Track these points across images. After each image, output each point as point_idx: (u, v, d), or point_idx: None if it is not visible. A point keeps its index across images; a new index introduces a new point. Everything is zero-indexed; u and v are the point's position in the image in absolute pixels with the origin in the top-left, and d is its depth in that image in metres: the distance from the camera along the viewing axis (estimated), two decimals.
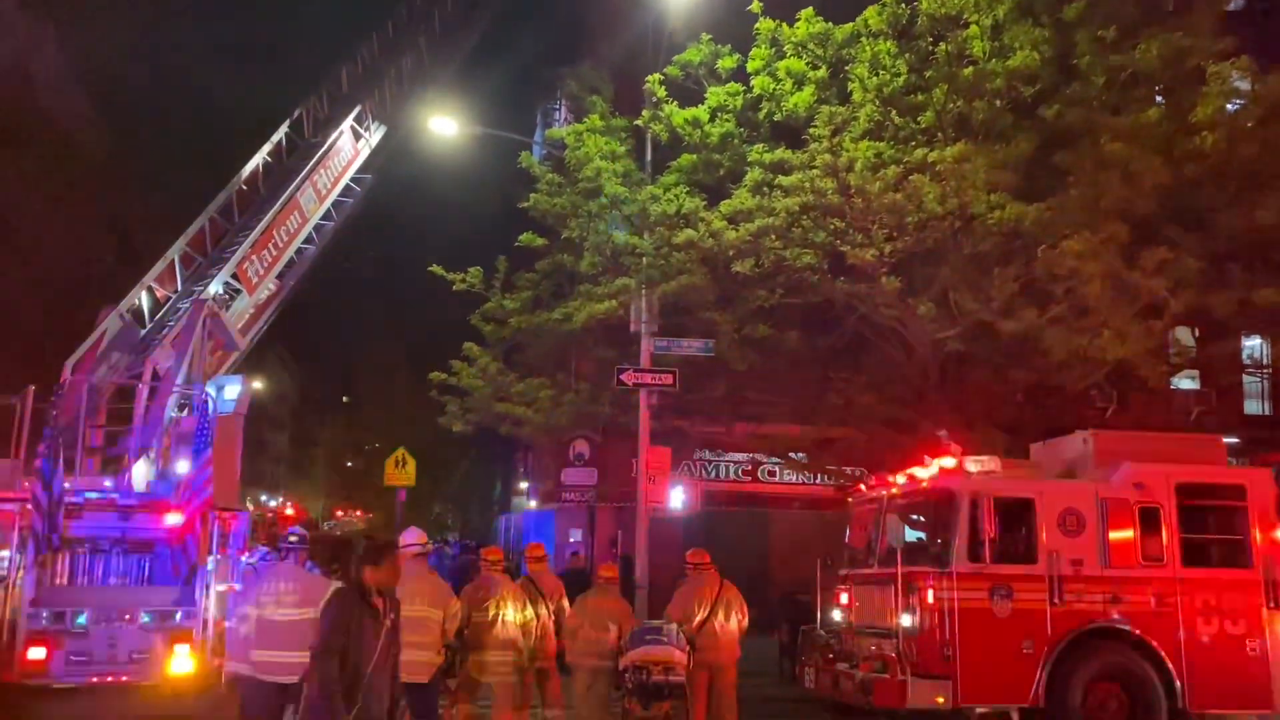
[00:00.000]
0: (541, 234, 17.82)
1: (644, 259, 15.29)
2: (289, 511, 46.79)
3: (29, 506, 10.52)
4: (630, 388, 16.72)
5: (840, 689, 11.58)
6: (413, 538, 9.42)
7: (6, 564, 10.75)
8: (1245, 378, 24.30)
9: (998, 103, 13.02)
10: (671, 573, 17.63)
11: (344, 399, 63.80)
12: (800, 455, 21.24)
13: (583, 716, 10.67)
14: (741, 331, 15.25)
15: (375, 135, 17.09)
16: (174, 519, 11.09)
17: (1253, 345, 23.22)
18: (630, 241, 15.20)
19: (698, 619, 10.54)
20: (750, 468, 24.83)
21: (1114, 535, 10.99)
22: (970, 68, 12.85)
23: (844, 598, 12.52)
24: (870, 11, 12.92)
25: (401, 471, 25.90)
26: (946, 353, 14.84)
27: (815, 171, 12.67)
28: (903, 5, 12.88)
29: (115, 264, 43.25)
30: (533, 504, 35.95)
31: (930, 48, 13.16)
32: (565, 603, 11.71)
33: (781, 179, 13.10)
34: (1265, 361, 24.59)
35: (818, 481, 24.14)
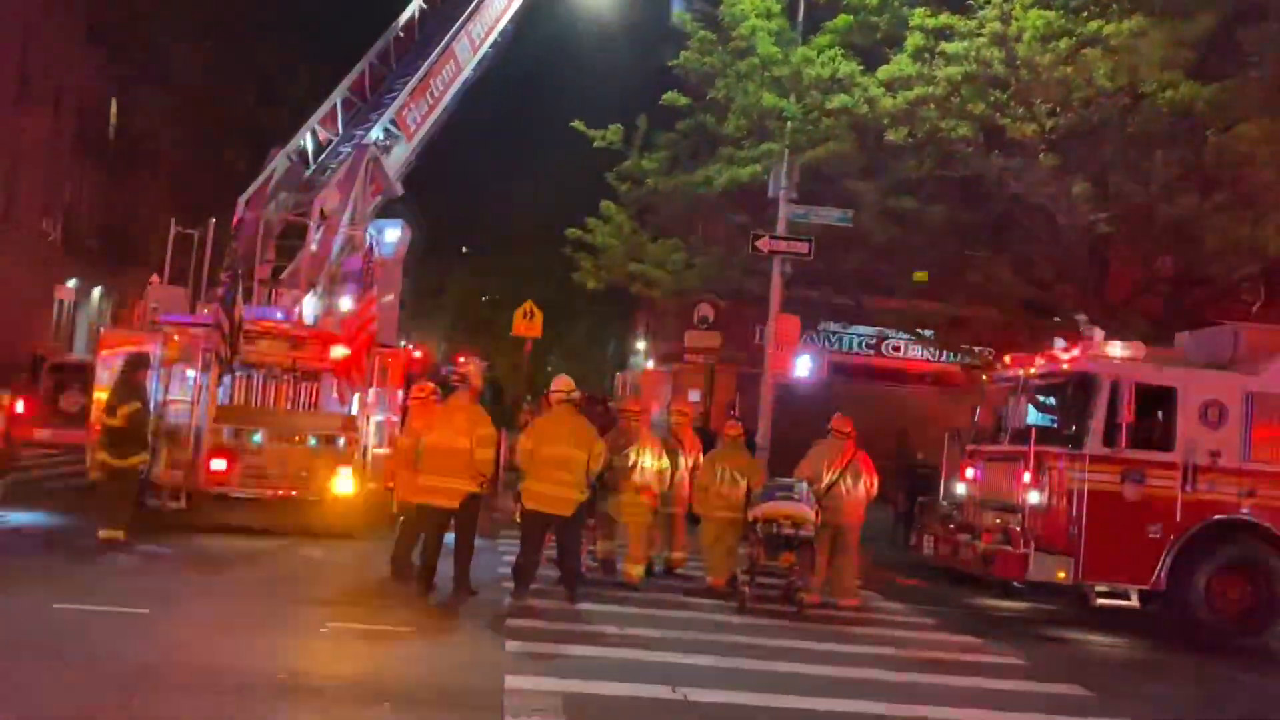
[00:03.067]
0: (685, 93, 17.71)
1: (789, 123, 15.15)
2: (416, 354, 48.79)
3: (213, 331, 11.42)
4: (765, 254, 16.81)
5: (960, 558, 11.89)
6: (561, 384, 9.99)
7: (192, 383, 11.75)
8: None
9: None
10: (790, 437, 18.03)
11: (463, 249, 65.04)
12: (928, 332, 21.19)
13: (711, 563, 11.31)
14: (885, 203, 15.11)
15: None
16: (340, 351, 11.90)
17: None
18: (778, 105, 15.03)
19: (826, 480, 10.94)
20: (875, 341, 24.86)
21: (1257, 430, 10.85)
22: None
23: (970, 472, 12.72)
24: None
25: (529, 322, 26.67)
26: (1095, 236, 14.48)
27: (982, 40, 12.27)
28: None
29: (253, 106, 44.64)
30: (650, 364, 36.69)
31: None
32: (701, 458, 12.28)
33: (945, 46, 12.73)
34: None
35: (942, 359, 24.11)
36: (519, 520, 10.41)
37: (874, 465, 11.33)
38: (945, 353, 23.41)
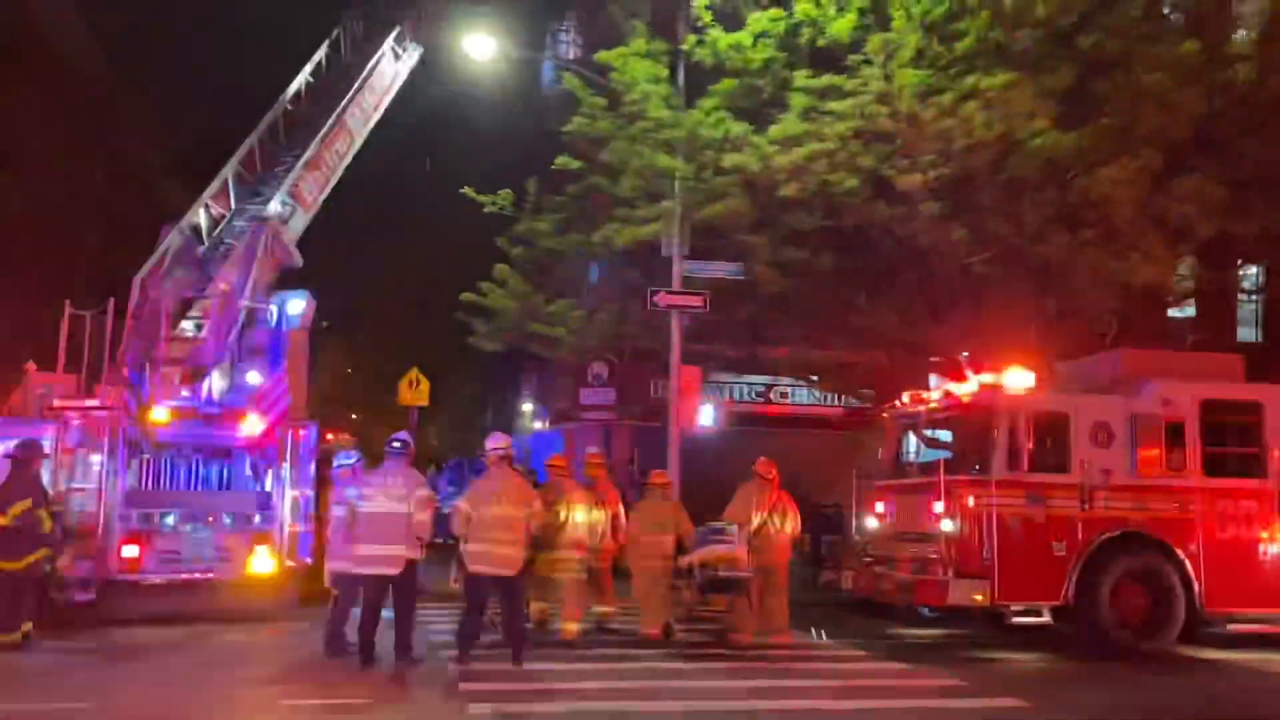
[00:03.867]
0: (575, 156, 18.07)
1: (683, 183, 15.68)
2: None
3: (119, 414, 11.04)
4: (663, 309, 17.24)
5: (881, 590, 12.34)
6: (497, 441, 10.02)
7: (98, 469, 11.28)
8: (1239, 304, 24.95)
9: (1037, 32, 13.36)
10: (691, 486, 18.32)
11: (324, 324, 63.42)
12: (814, 378, 21.94)
13: (646, 613, 11.42)
14: (775, 255, 15.73)
15: (413, 56, 17.30)
16: (254, 427, 11.66)
17: (1249, 273, 23.86)
18: (671, 166, 15.56)
19: (755, 523, 11.25)
20: (765, 390, 25.56)
21: (1142, 447, 11.66)
22: None
23: (880, 506, 13.23)
24: None
25: (415, 391, 26.37)
26: (972, 277, 15.38)
27: (866, 97, 13.07)
28: None
29: (105, 186, 43.22)
30: (538, 425, 36.63)
31: None
32: (621, 509, 12.44)
33: (833, 104, 13.49)
34: (1258, 287, 25.11)
35: (828, 403, 24.98)
36: (455, 585, 10.35)
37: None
38: (831, 396, 24.25)
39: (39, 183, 36.43)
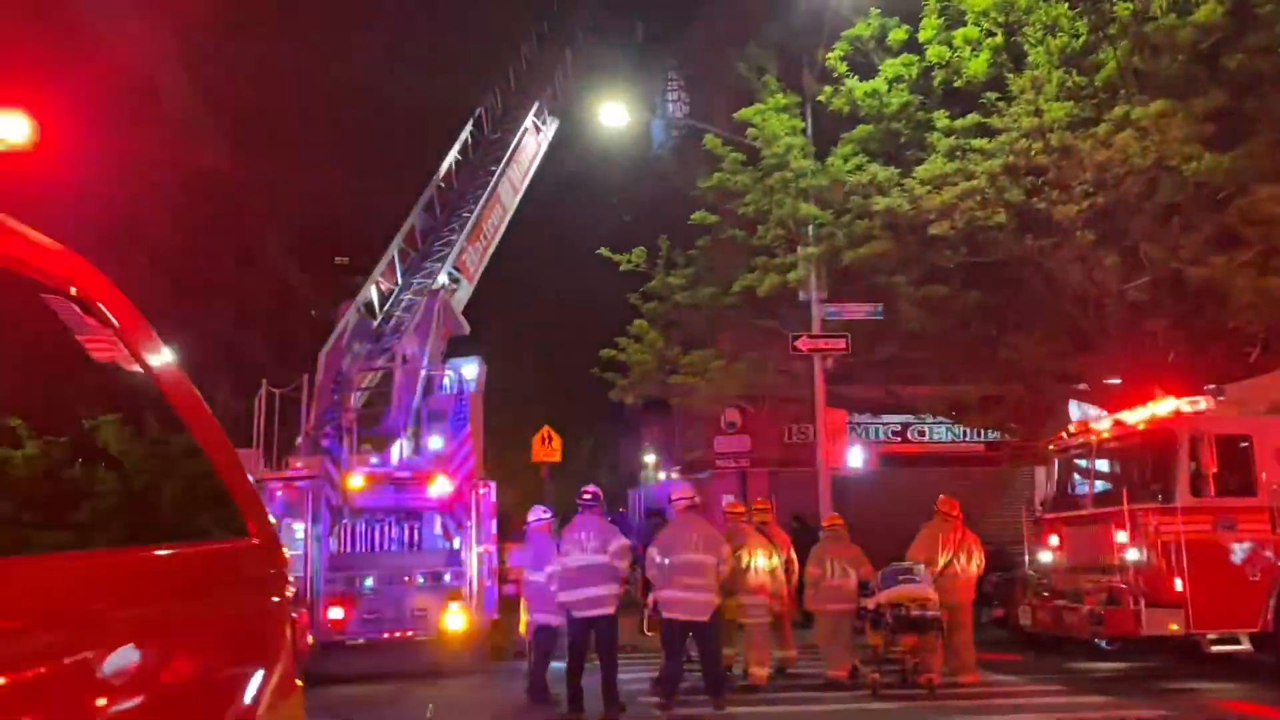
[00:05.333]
0: (707, 210, 18.56)
1: (823, 228, 15.98)
2: None
3: (320, 482, 11.71)
4: (805, 354, 17.46)
5: (1063, 623, 12.20)
6: (683, 490, 10.34)
7: (301, 535, 11.95)
8: None
9: (1180, 57, 13.34)
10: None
11: None
12: (953, 414, 21.80)
13: (831, 657, 11.52)
14: (918, 292, 15.85)
15: (551, 128, 18.08)
16: (444, 489, 12.21)
17: None
18: (812, 214, 15.89)
19: (941, 562, 11.28)
20: (900, 429, 25.45)
21: None
22: (1151, 23, 13.24)
23: (1053, 540, 13.11)
24: None
25: (548, 447, 26.87)
26: (1123, 303, 15.24)
27: (1014, 134, 13.22)
28: None
29: (235, 268, 45.43)
30: (662, 475, 36.88)
31: (1110, 8, 13.52)
32: (793, 554, 12.61)
33: (979, 142, 13.67)
34: None
35: (966, 439, 24.76)
36: (647, 632, 10.63)
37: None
38: (970, 432, 24.04)
39: (168, 263, 38.58)
